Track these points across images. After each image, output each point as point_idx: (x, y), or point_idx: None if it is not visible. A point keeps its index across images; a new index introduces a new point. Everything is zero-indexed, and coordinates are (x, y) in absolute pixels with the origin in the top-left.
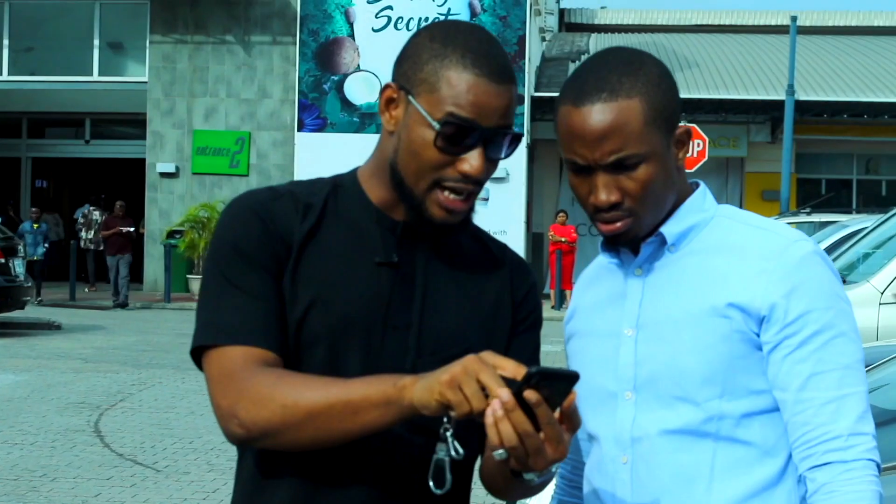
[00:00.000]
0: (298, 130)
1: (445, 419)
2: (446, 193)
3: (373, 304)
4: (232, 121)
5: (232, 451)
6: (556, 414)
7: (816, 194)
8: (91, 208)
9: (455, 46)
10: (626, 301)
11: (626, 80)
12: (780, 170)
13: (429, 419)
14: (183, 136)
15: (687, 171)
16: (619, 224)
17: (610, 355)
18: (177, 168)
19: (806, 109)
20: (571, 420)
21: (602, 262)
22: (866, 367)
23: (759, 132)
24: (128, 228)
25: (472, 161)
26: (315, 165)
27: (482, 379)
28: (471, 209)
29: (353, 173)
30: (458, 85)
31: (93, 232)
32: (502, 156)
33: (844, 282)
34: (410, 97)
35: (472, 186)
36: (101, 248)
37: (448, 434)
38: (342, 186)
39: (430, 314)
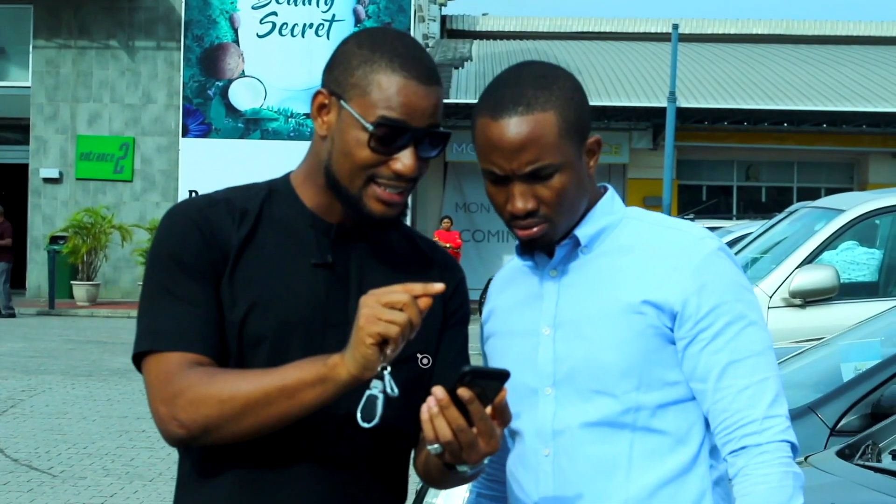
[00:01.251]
0: (183, 136)
1: (382, 358)
2: (381, 188)
3: (311, 304)
4: (116, 126)
5: (126, 456)
6: (489, 410)
7: (698, 200)
8: None
9: (383, 51)
10: (542, 301)
11: (540, 94)
12: (662, 176)
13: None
14: (67, 142)
15: None
16: (535, 230)
17: (529, 353)
18: (60, 173)
19: (687, 116)
20: (503, 415)
21: (517, 265)
22: None
23: (641, 139)
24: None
25: (404, 160)
26: (200, 171)
27: (385, 300)
28: (405, 204)
29: (286, 178)
30: (388, 88)
31: None
32: (433, 154)
33: None
34: (343, 102)
35: (406, 184)
36: None
37: (385, 371)
38: (277, 191)
39: None
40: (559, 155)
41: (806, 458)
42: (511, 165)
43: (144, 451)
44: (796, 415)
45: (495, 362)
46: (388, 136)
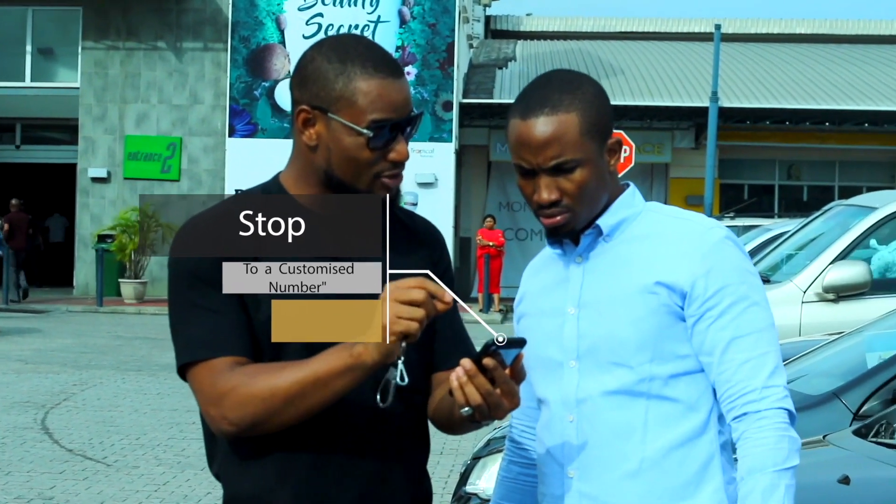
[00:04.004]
0: (229, 136)
1: (400, 349)
2: (385, 179)
3: None
4: (163, 126)
5: (178, 446)
6: (508, 372)
7: (739, 199)
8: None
9: (353, 60)
10: (569, 285)
11: (565, 97)
12: (704, 175)
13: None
14: (115, 142)
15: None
16: (558, 218)
17: (556, 331)
18: (108, 173)
19: (729, 116)
20: (519, 375)
21: (547, 253)
22: (791, 359)
23: (684, 138)
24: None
25: (398, 150)
26: (246, 171)
27: (404, 299)
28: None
29: (276, 180)
30: (370, 92)
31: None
32: (413, 135)
33: (769, 282)
34: (330, 114)
35: (402, 168)
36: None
37: (400, 361)
38: (271, 194)
39: None
40: (580, 151)
41: (824, 437)
42: (537, 160)
43: (195, 442)
44: (821, 401)
45: (527, 339)
46: (381, 134)
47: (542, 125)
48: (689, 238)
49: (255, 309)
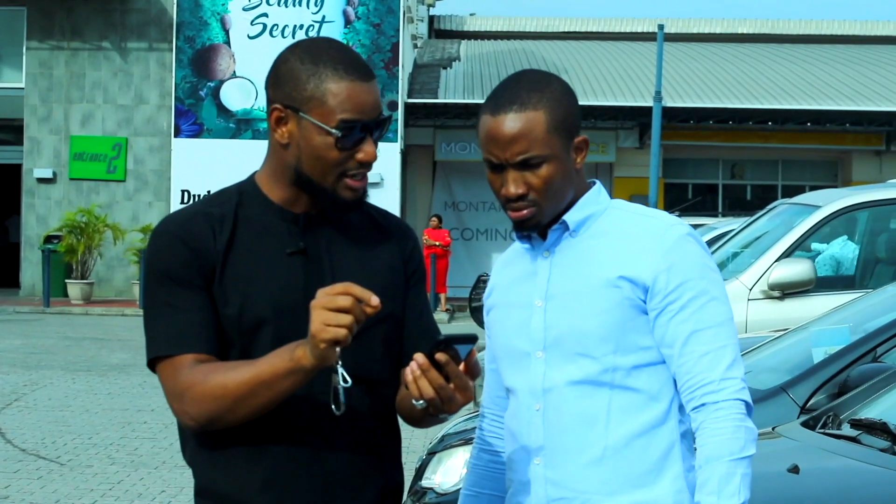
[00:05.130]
0: (175, 136)
1: (337, 352)
2: (350, 178)
3: (293, 288)
4: (109, 126)
5: (130, 446)
6: (462, 367)
7: (683, 198)
8: None
9: (325, 62)
10: (536, 278)
11: (534, 95)
12: (649, 175)
13: (365, 369)
14: (60, 142)
15: None
16: (524, 212)
17: (523, 322)
18: (54, 173)
19: (673, 115)
20: (472, 371)
21: (516, 247)
22: None
23: (628, 138)
24: None
25: (366, 150)
26: (192, 171)
27: (332, 306)
28: (366, 188)
29: (251, 180)
30: (340, 93)
31: None
32: (381, 138)
33: None
34: (302, 114)
35: (368, 169)
36: None
37: (338, 365)
38: (246, 193)
39: None
40: (547, 148)
41: (774, 429)
42: (504, 155)
43: (147, 441)
44: (769, 395)
45: (496, 330)
46: (350, 134)
47: (511, 121)
48: (652, 234)
49: (223, 304)
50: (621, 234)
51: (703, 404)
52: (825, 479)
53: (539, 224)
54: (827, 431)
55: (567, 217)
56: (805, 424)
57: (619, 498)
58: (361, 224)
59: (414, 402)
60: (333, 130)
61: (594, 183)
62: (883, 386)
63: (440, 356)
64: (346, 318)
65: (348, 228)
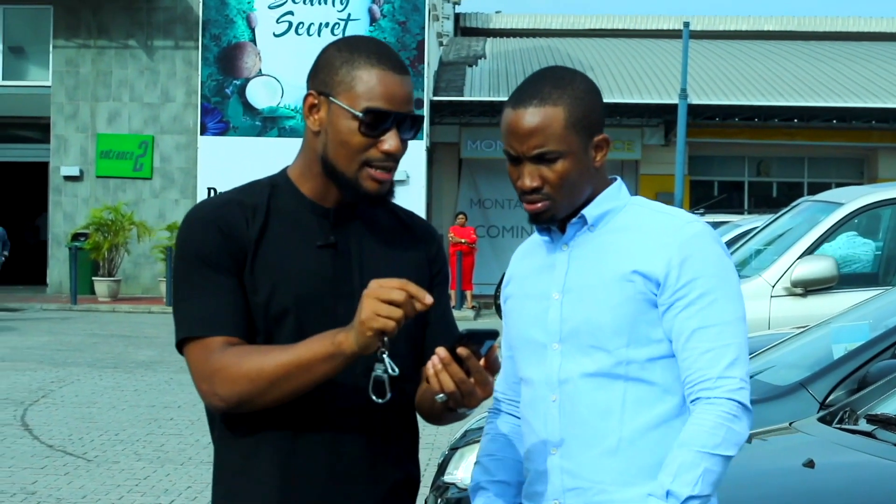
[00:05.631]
0: (201, 134)
1: (381, 343)
2: (373, 170)
3: (321, 280)
4: (135, 124)
5: (156, 442)
6: (482, 362)
7: (709, 196)
8: None
9: (360, 51)
10: (554, 270)
11: (555, 91)
12: (674, 172)
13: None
14: (87, 140)
15: None
16: (539, 205)
17: (540, 314)
18: (81, 171)
19: (698, 113)
20: (493, 366)
21: (536, 239)
22: (759, 351)
23: (653, 135)
24: None
25: (390, 141)
26: (218, 168)
27: (385, 298)
28: (393, 182)
29: (283, 174)
30: (370, 80)
31: None
32: (411, 136)
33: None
34: (332, 98)
35: (393, 163)
36: None
37: (384, 355)
38: (278, 186)
39: (367, 281)
40: (563, 144)
41: (790, 424)
42: (522, 148)
43: (174, 438)
44: (789, 391)
45: (512, 320)
46: (375, 121)
47: (530, 116)
48: (668, 231)
49: (252, 291)
50: (638, 229)
51: (697, 398)
52: (839, 473)
53: (554, 217)
54: (843, 427)
55: (586, 211)
56: (822, 420)
57: (633, 489)
58: (389, 223)
59: (436, 396)
60: (358, 114)
61: (615, 179)
62: None
63: (461, 350)
64: (398, 312)
65: (377, 226)
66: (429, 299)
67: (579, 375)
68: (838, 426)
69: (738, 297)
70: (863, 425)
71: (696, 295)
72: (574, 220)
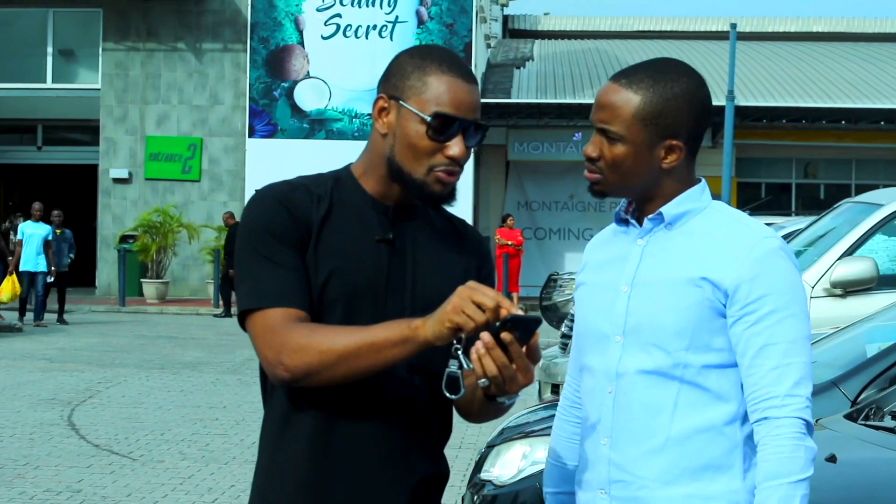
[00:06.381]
0: (249, 136)
1: (455, 341)
2: (439, 173)
3: (376, 272)
4: (184, 127)
5: (201, 441)
6: (525, 349)
7: (756, 197)
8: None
9: (432, 58)
10: (626, 263)
11: (646, 80)
12: (721, 174)
13: (428, 362)
14: (136, 143)
15: None
16: (592, 175)
17: (608, 305)
18: (129, 174)
19: (746, 114)
20: (534, 354)
21: (614, 228)
22: None
23: None
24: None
25: (456, 146)
26: (266, 171)
27: (476, 299)
28: (455, 186)
29: (347, 170)
30: (439, 87)
31: None
32: (474, 143)
33: None
34: (402, 102)
35: (458, 167)
36: None
37: (459, 352)
38: (341, 180)
39: (419, 279)
40: (626, 130)
41: (817, 421)
42: (594, 116)
43: (219, 438)
44: (821, 389)
45: (582, 308)
46: (442, 126)
47: (610, 91)
48: (744, 242)
49: (313, 274)
50: (714, 235)
51: (764, 418)
52: (861, 467)
53: (604, 193)
54: (868, 423)
55: (665, 209)
56: (848, 416)
57: (674, 489)
58: (442, 225)
59: (478, 381)
60: (426, 118)
61: (700, 181)
62: None
63: (505, 336)
64: (481, 316)
65: (432, 228)
66: (514, 310)
67: (636, 371)
68: (863, 423)
69: (806, 315)
70: (887, 422)
71: (765, 311)
72: (652, 215)
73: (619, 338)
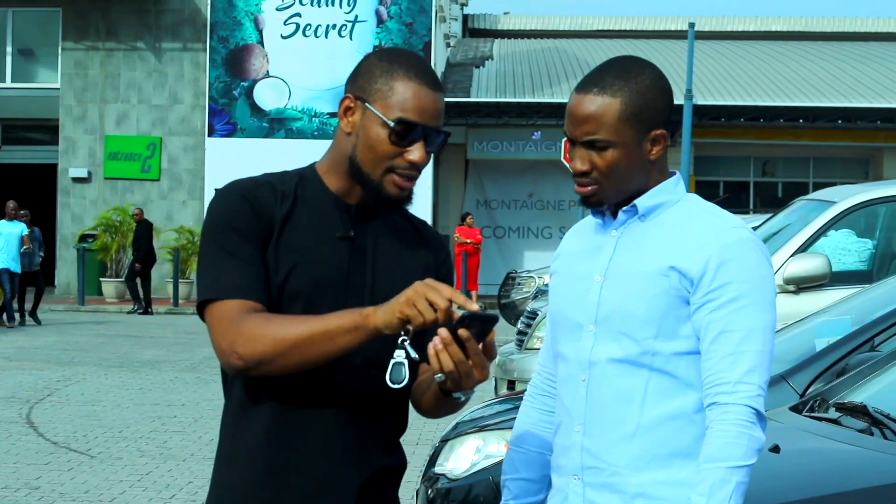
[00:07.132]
0: (209, 135)
1: (403, 332)
2: (398, 176)
3: (337, 268)
4: (143, 126)
5: (160, 439)
6: (481, 346)
7: (715, 196)
8: None
9: (400, 63)
10: (600, 254)
11: (617, 82)
12: (680, 172)
13: (384, 355)
14: (95, 142)
15: None
16: (587, 189)
17: (581, 295)
18: (89, 173)
19: (704, 113)
20: (490, 351)
21: (589, 220)
22: None
23: None
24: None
25: (416, 152)
26: (226, 170)
27: (429, 297)
28: (413, 190)
29: (311, 168)
30: (405, 92)
31: None
32: (435, 150)
33: None
34: (367, 104)
35: (416, 173)
36: None
37: (406, 343)
38: (305, 178)
39: (379, 276)
40: (615, 135)
41: None
42: (576, 132)
43: (176, 435)
44: (770, 383)
45: (555, 296)
46: (405, 131)
47: (587, 102)
48: (712, 232)
49: (273, 270)
50: (685, 226)
51: (715, 403)
52: (804, 457)
53: (601, 203)
54: (813, 415)
55: (638, 201)
56: (793, 408)
57: (644, 475)
58: (403, 226)
59: (435, 376)
60: (390, 123)
61: (674, 174)
62: (870, 372)
63: (462, 332)
64: (431, 314)
65: (393, 227)
66: (473, 306)
67: (607, 360)
68: (807, 414)
69: (770, 306)
70: (831, 413)
71: (727, 298)
72: (626, 207)
73: (592, 327)
